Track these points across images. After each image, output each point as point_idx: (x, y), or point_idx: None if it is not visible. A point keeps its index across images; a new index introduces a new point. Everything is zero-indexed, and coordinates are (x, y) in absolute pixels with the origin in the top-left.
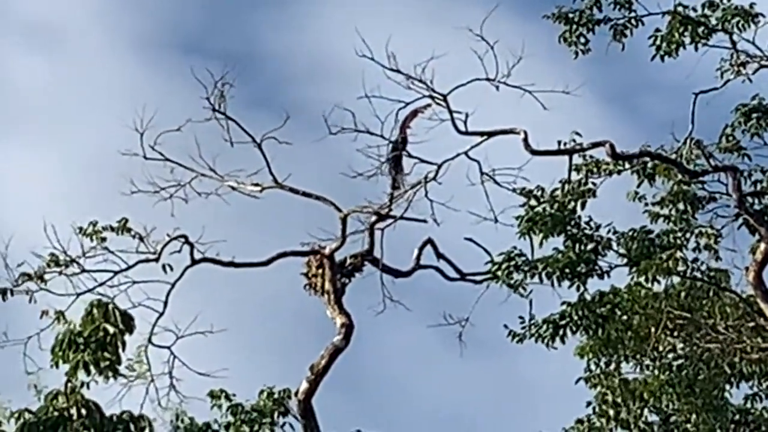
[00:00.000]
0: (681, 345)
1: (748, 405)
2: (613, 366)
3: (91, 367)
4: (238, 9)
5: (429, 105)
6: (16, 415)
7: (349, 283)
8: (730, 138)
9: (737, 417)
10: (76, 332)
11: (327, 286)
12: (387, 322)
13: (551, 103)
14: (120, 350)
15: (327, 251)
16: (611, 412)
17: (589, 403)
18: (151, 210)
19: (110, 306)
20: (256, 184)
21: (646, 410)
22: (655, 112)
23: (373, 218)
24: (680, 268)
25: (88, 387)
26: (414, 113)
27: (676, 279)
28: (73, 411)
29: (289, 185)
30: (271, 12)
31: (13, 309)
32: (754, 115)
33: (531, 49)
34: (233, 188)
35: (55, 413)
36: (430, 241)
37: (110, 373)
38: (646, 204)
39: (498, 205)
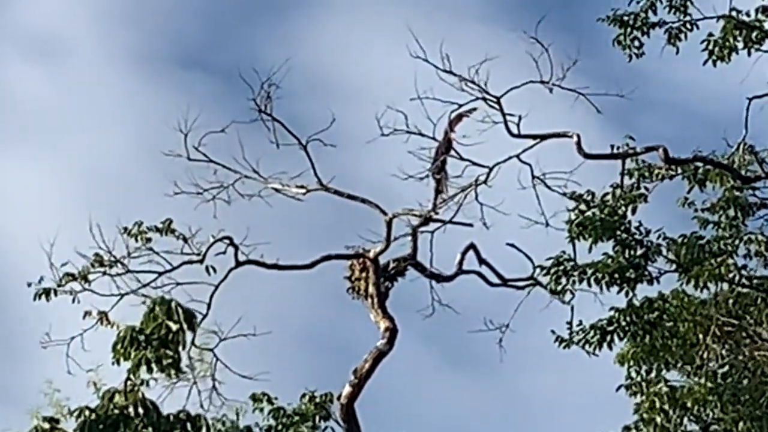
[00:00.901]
0: (727, 353)
1: None
2: (654, 374)
3: (153, 365)
4: (237, 23)
5: (475, 109)
6: (76, 412)
7: (392, 288)
8: None
9: None
10: (138, 330)
11: (371, 289)
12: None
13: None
14: (181, 348)
15: (371, 255)
16: (658, 419)
17: (636, 410)
18: (192, 212)
19: (173, 303)
20: (301, 186)
21: (686, 419)
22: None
23: (417, 222)
24: (731, 274)
25: (147, 385)
26: (459, 117)
27: (724, 286)
28: (132, 410)
29: (334, 187)
30: (270, 26)
31: (57, 309)
32: None
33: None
34: (277, 190)
35: (116, 411)
36: (472, 246)
37: (172, 371)
38: (696, 210)
39: (549, 211)
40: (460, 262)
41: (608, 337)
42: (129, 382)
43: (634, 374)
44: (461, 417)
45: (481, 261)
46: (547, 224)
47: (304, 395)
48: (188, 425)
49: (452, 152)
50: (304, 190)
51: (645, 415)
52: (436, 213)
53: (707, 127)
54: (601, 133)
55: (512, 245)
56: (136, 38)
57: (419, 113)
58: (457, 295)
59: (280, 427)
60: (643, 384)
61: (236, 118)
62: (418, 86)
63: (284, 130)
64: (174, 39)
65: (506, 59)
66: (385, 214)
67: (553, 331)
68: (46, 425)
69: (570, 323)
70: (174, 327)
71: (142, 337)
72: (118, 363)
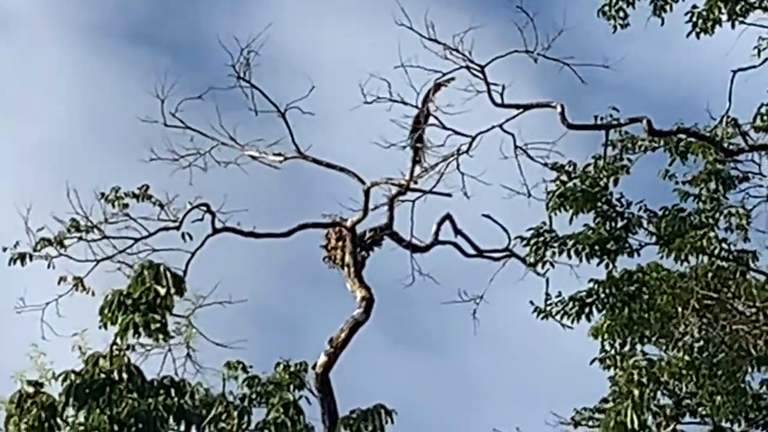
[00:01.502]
0: (705, 326)
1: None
2: (628, 347)
3: (141, 330)
4: None
5: (453, 78)
6: (62, 376)
7: (369, 257)
8: (765, 117)
9: (755, 402)
10: (125, 294)
11: (347, 258)
12: None
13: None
14: (168, 313)
15: (348, 224)
16: (636, 392)
17: (613, 382)
18: (167, 180)
19: (161, 267)
20: (279, 154)
21: (659, 393)
22: None
23: (394, 191)
24: (712, 247)
25: (133, 350)
26: (438, 86)
27: (704, 259)
28: (117, 374)
29: (312, 156)
30: (219, 1)
31: (32, 274)
32: None
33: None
34: (254, 158)
35: (101, 375)
36: (448, 217)
37: (160, 336)
38: (677, 183)
39: (532, 182)
40: (436, 233)
41: (587, 309)
42: (114, 347)
43: (608, 347)
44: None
45: (457, 232)
46: (529, 195)
47: (278, 364)
48: (172, 391)
49: (431, 122)
50: (281, 158)
51: (622, 388)
52: (415, 183)
53: (659, 108)
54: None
55: (488, 216)
56: (84, 12)
57: (402, 82)
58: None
59: (254, 395)
60: (618, 357)
61: (186, 93)
62: (402, 56)
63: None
64: (122, 13)
65: (491, 29)
66: (363, 183)
67: (531, 302)
68: (31, 389)
69: (547, 295)
70: (162, 291)
71: (129, 302)
72: (105, 327)
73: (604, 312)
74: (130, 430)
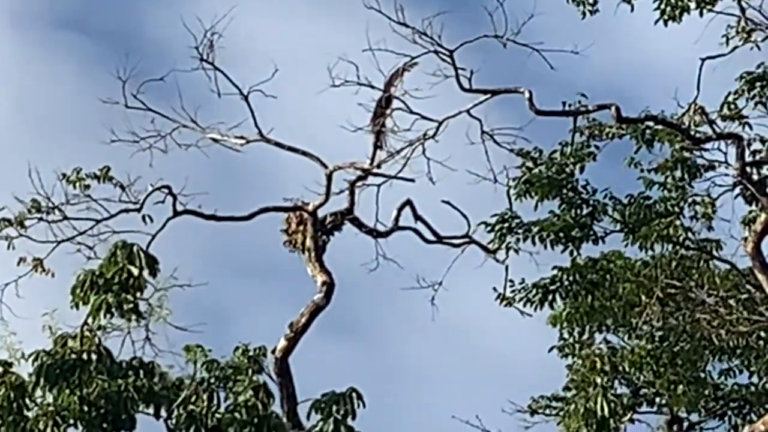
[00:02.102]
0: (668, 315)
1: (722, 379)
2: (587, 335)
3: (114, 310)
4: None
5: (416, 63)
6: (33, 356)
7: (329, 242)
8: (732, 106)
9: (713, 392)
10: (98, 273)
11: (308, 243)
12: None
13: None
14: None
15: (310, 208)
16: (598, 380)
17: (572, 370)
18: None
19: (135, 247)
20: (241, 137)
21: (616, 382)
22: None
23: (355, 176)
24: (679, 235)
25: (104, 330)
26: (401, 71)
27: (669, 248)
28: (87, 355)
29: (274, 139)
30: None
31: None
32: (758, 83)
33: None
34: (215, 140)
35: (72, 356)
36: (409, 202)
37: (133, 316)
38: (642, 170)
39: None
40: (397, 218)
41: (550, 296)
42: (85, 327)
43: (567, 335)
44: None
45: (417, 218)
46: (496, 180)
47: (237, 348)
48: (141, 372)
49: (397, 106)
50: (243, 141)
51: (583, 376)
52: (378, 167)
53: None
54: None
55: (447, 203)
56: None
57: (371, 66)
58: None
59: (213, 379)
60: (577, 345)
61: (116, 82)
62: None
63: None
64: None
65: (460, 14)
66: (325, 167)
67: (494, 289)
68: None
69: (506, 282)
70: (135, 271)
71: (101, 281)
72: (77, 307)
73: (567, 299)
74: (99, 411)
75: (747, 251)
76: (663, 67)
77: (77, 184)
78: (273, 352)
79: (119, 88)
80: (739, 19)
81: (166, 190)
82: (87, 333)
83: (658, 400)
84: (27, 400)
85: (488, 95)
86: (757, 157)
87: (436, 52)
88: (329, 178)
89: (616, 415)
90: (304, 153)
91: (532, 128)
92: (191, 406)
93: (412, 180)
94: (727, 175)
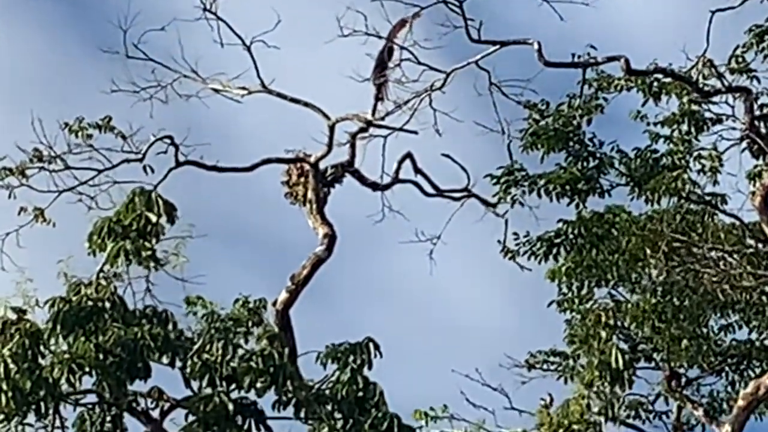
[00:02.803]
0: (672, 270)
1: (721, 335)
2: (585, 290)
3: (131, 257)
4: None
5: (419, 14)
6: (50, 302)
7: (330, 194)
8: (740, 59)
9: (710, 348)
10: (115, 220)
11: (310, 195)
12: None
13: None
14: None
15: (312, 159)
16: (603, 334)
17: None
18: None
19: (153, 194)
20: (243, 88)
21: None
22: None
23: (356, 128)
24: (686, 188)
25: (119, 278)
26: (402, 23)
27: (670, 201)
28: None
29: (276, 90)
30: None
31: None
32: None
33: None
34: (216, 91)
35: (89, 303)
36: (409, 155)
37: (151, 263)
38: (648, 124)
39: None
40: (397, 171)
41: (554, 250)
42: (101, 275)
43: (566, 290)
44: None
45: (417, 170)
46: (503, 132)
47: (237, 300)
48: (154, 320)
49: (395, 58)
50: (245, 92)
51: (588, 330)
52: (382, 119)
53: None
54: None
55: (447, 156)
56: None
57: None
58: None
59: (213, 331)
60: (576, 300)
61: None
62: None
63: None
64: None
65: None
66: (328, 118)
67: (499, 241)
68: (14, 315)
69: (506, 235)
70: (153, 218)
71: (119, 229)
72: (94, 254)
73: (571, 253)
74: (115, 359)
75: (754, 205)
76: (672, 19)
77: (80, 134)
78: (274, 304)
79: (120, 37)
80: None
81: (168, 141)
82: (103, 281)
83: (655, 355)
84: (41, 348)
85: (497, 46)
86: (765, 111)
87: (445, 2)
88: (332, 129)
89: (631, 367)
90: (307, 104)
91: (540, 80)
92: (205, 355)
93: (415, 132)
94: (734, 128)
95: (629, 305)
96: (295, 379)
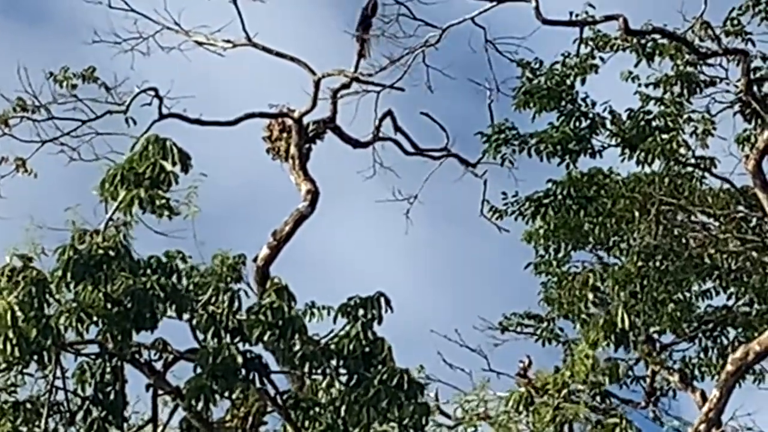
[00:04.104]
0: (659, 233)
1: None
2: (562, 254)
3: (145, 205)
4: None
5: None
6: (60, 250)
7: (312, 150)
8: (735, 22)
9: (686, 314)
10: (127, 168)
11: (292, 150)
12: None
13: None
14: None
15: (296, 115)
16: (590, 296)
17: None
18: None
19: (168, 143)
20: (228, 41)
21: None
22: None
23: (338, 85)
24: (681, 150)
25: (129, 227)
26: None
27: (662, 163)
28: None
29: (262, 44)
30: None
31: None
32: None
33: None
34: (200, 43)
35: (100, 251)
36: (390, 113)
37: (165, 212)
38: (640, 85)
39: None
40: (377, 129)
41: (543, 210)
42: (111, 223)
43: (543, 252)
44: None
45: (397, 129)
46: (498, 89)
47: (216, 256)
48: (159, 270)
49: (377, 15)
50: (230, 45)
51: (575, 292)
52: (363, 75)
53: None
54: None
55: (426, 114)
56: None
57: None
58: None
59: (191, 287)
60: (554, 263)
61: None
62: None
63: None
64: None
65: None
66: (313, 73)
67: (487, 201)
68: (19, 263)
69: (505, 194)
70: (168, 166)
71: (131, 176)
72: (106, 202)
73: (559, 214)
74: (122, 308)
75: (747, 169)
76: None
77: (65, 83)
78: (255, 260)
79: None
80: None
81: (153, 93)
82: (113, 229)
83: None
84: (48, 296)
85: (494, 2)
86: (759, 74)
87: None
88: (317, 85)
89: (636, 328)
90: (292, 59)
91: (536, 37)
92: (211, 307)
93: (401, 89)
94: (727, 91)
95: (615, 268)
96: (303, 334)
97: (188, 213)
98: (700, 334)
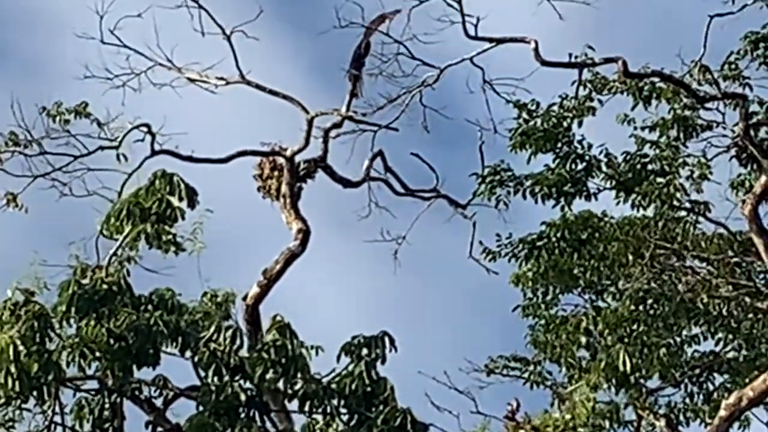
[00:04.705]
0: (652, 277)
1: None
2: (550, 296)
3: (152, 240)
4: None
5: (399, 11)
6: (64, 285)
7: (303, 189)
8: (733, 66)
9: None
10: (134, 203)
11: (284, 189)
12: None
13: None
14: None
15: (288, 153)
16: (583, 340)
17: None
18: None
19: (175, 178)
20: (221, 78)
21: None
22: None
23: (329, 124)
24: (678, 194)
25: (135, 262)
26: (381, 18)
27: (659, 207)
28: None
29: (255, 81)
30: None
31: None
32: (763, 44)
33: None
34: (191, 80)
35: (104, 287)
36: (380, 153)
37: (172, 248)
38: (635, 128)
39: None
40: (368, 169)
41: (536, 252)
42: (115, 258)
43: (531, 295)
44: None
45: (387, 169)
46: (495, 130)
47: (205, 293)
48: (160, 305)
49: (369, 55)
50: (223, 82)
51: (568, 335)
52: (364, 115)
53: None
54: None
55: (416, 155)
56: None
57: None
58: None
59: (182, 324)
60: (542, 306)
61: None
62: None
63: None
64: None
65: None
66: (306, 112)
67: (480, 242)
68: (21, 297)
69: (499, 235)
70: (175, 202)
71: (137, 211)
72: (111, 237)
73: (553, 256)
74: (127, 344)
75: (744, 214)
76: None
77: (57, 118)
78: (244, 299)
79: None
80: None
81: (145, 129)
82: (116, 264)
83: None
84: (49, 331)
85: (493, 43)
86: (755, 119)
87: None
88: (310, 123)
89: (638, 371)
90: (285, 97)
91: (534, 79)
92: (213, 345)
93: (396, 129)
94: (724, 136)
95: (607, 311)
96: (306, 372)
97: (193, 249)
98: (686, 380)
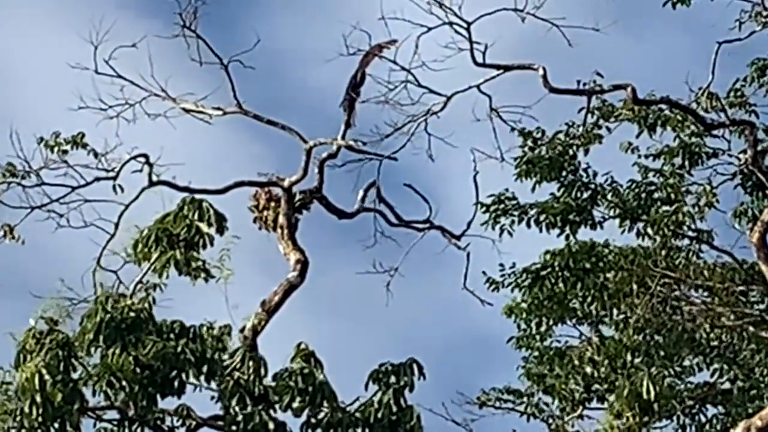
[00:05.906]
0: (655, 307)
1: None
2: (544, 327)
3: (181, 267)
4: None
5: (395, 41)
6: (89, 314)
7: (299, 220)
8: (739, 93)
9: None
10: (162, 229)
11: (281, 220)
12: None
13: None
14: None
15: (286, 184)
16: (588, 370)
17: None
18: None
19: (204, 204)
20: (218, 108)
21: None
22: None
23: (324, 154)
24: (686, 223)
25: (160, 289)
26: (378, 49)
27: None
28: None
29: (253, 111)
30: None
31: None
32: None
33: None
34: (187, 110)
35: (131, 315)
36: (374, 184)
37: (202, 275)
38: (639, 156)
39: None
40: (363, 199)
41: (540, 282)
42: (140, 285)
43: (524, 326)
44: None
45: (381, 200)
46: (503, 159)
47: (202, 326)
48: (182, 334)
49: (364, 85)
50: (220, 112)
51: (572, 366)
52: (364, 144)
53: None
54: None
55: (409, 186)
56: None
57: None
58: None
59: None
60: (537, 337)
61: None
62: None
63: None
64: None
65: None
66: (305, 141)
67: (484, 273)
68: (45, 326)
69: (467, 269)
70: (205, 228)
71: (165, 238)
72: (139, 264)
73: (556, 285)
74: (152, 373)
75: (752, 242)
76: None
77: (55, 149)
78: (242, 331)
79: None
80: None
81: (143, 159)
82: (143, 292)
83: (608, 396)
84: (74, 360)
85: (501, 71)
86: (761, 147)
87: (451, 23)
88: (308, 153)
89: (663, 398)
90: (283, 127)
91: (542, 106)
92: (237, 373)
93: (395, 158)
94: (730, 163)
95: (608, 342)
96: (333, 400)
97: (221, 276)
98: (678, 412)
